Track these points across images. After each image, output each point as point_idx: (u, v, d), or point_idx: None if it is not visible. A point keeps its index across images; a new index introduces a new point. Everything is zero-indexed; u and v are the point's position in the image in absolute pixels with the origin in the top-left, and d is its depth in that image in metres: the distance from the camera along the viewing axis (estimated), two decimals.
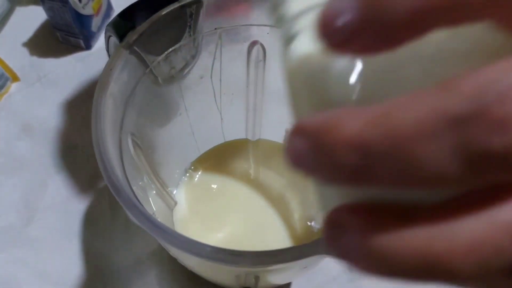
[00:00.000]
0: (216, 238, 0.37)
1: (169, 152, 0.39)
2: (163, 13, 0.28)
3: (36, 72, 0.51)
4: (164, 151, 0.37)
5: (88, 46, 0.52)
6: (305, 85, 0.11)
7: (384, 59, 0.10)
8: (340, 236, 0.10)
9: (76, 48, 0.53)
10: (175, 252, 0.29)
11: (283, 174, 0.40)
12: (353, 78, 0.10)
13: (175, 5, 0.29)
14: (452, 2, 0.09)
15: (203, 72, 0.34)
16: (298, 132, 0.10)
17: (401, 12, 0.09)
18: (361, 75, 0.10)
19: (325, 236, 0.10)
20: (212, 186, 0.40)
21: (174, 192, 0.40)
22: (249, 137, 0.42)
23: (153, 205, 0.32)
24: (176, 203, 0.39)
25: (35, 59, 0.52)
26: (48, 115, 0.48)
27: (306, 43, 0.11)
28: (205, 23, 0.31)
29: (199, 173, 0.41)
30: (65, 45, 0.53)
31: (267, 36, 0.32)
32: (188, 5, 0.29)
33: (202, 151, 0.42)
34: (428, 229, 0.09)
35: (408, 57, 0.10)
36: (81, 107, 0.48)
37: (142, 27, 0.28)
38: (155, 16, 0.28)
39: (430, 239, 0.09)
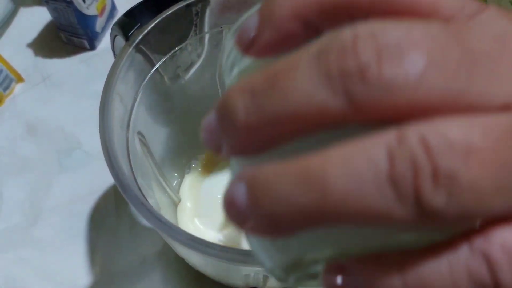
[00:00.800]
0: (223, 233, 0.37)
1: (175, 149, 0.39)
2: (169, 12, 0.28)
3: (40, 72, 0.51)
4: (169, 149, 0.37)
5: (92, 47, 0.52)
6: None
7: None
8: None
9: (80, 49, 0.53)
10: (182, 251, 0.29)
11: None
12: None
13: (181, 4, 0.29)
14: None
15: (209, 71, 0.34)
16: (212, 111, 0.12)
17: None
18: None
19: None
20: (217, 182, 0.40)
21: (177, 187, 0.40)
22: None
23: (158, 201, 0.32)
24: (180, 199, 0.39)
25: (39, 59, 0.52)
26: (52, 115, 0.48)
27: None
28: (211, 22, 0.31)
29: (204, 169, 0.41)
30: (69, 46, 0.53)
31: None
32: (194, 4, 0.29)
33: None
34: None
35: None
36: (85, 108, 0.48)
37: (148, 26, 0.28)
38: (161, 15, 0.28)
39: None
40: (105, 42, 0.54)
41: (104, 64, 0.51)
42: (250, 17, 0.13)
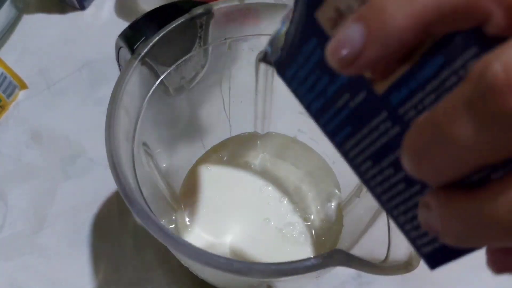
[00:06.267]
0: (227, 237, 0.37)
1: (178, 159, 0.39)
2: (174, 24, 0.29)
3: (44, 79, 0.51)
4: (173, 158, 0.38)
5: (81, 6, 0.55)
6: None
7: None
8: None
9: (73, 15, 0.54)
10: (186, 261, 0.29)
11: (288, 178, 0.40)
12: None
13: (186, 17, 0.29)
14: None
15: (212, 82, 0.35)
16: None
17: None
18: None
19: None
20: (218, 184, 0.40)
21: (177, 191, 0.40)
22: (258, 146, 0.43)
23: (160, 207, 0.33)
24: (179, 204, 0.39)
25: (43, 66, 0.52)
26: (56, 122, 0.48)
27: None
28: (215, 34, 0.31)
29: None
30: (71, 47, 0.53)
31: None
32: (198, 16, 0.29)
33: None
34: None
35: None
36: (89, 114, 0.48)
37: (153, 39, 0.28)
38: (166, 28, 0.28)
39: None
40: (94, 5, 0.56)
41: (108, 69, 0.52)
42: (346, 30, 0.11)
